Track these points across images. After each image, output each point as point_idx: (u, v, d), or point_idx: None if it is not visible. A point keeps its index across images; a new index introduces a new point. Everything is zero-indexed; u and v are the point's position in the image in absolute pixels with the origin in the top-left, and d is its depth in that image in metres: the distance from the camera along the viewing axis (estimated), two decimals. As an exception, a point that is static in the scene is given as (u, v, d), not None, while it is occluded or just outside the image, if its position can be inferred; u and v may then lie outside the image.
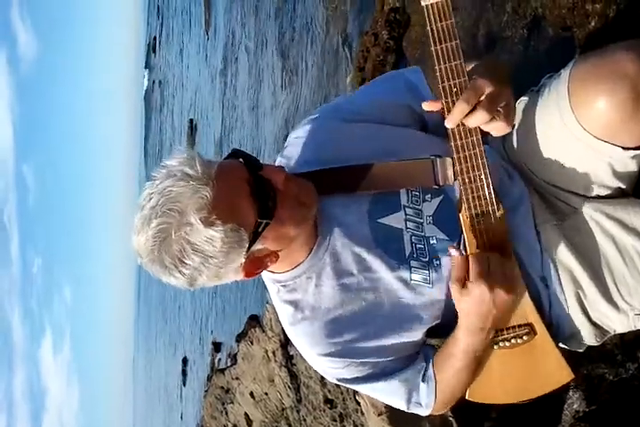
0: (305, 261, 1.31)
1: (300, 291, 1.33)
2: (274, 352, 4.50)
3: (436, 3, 1.07)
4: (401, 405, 1.41)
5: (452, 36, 1.08)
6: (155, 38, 25.52)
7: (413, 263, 1.31)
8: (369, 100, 1.44)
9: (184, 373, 12.71)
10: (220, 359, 8.20)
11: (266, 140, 6.63)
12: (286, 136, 1.50)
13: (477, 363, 1.32)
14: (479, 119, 1.11)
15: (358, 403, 3.21)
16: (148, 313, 27.40)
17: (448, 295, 1.28)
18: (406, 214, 1.32)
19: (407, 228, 1.32)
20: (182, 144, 13.35)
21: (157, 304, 21.53)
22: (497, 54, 2.18)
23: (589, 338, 1.37)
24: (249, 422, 5.51)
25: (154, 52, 26.17)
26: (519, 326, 1.31)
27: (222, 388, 6.33)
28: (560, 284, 1.34)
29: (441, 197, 1.34)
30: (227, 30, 9.84)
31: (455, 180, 1.26)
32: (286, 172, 1.22)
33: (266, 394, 4.87)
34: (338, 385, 3.42)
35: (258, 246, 1.18)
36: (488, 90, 1.09)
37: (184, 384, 12.78)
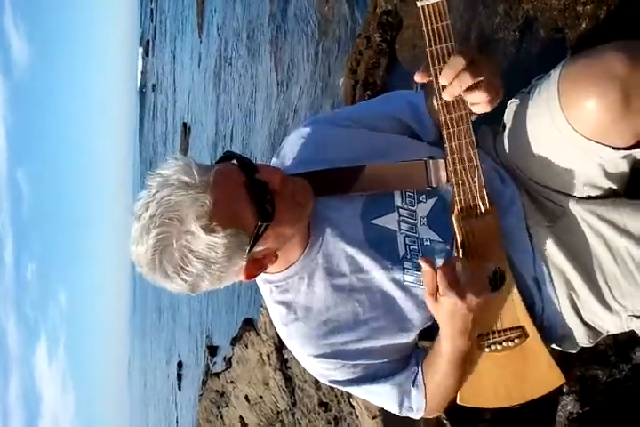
0: (297, 262, 1.31)
1: (293, 291, 1.33)
2: (268, 356, 4.49)
3: (432, 4, 1.07)
4: (394, 408, 1.41)
5: (448, 38, 1.08)
6: (148, 42, 25.53)
7: (407, 264, 1.31)
8: (366, 109, 1.49)
9: (179, 377, 12.69)
10: (215, 363, 8.18)
11: (259, 142, 6.62)
12: (280, 139, 1.51)
13: (467, 364, 1.32)
14: (463, 81, 1.07)
15: (352, 406, 3.20)
16: (142, 318, 27.31)
17: None
18: (400, 215, 1.33)
19: (401, 229, 1.32)
20: (176, 147, 13.34)
21: (152, 309, 21.45)
22: (489, 56, 2.18)
23: (582, 339, 1.37)
24: (244, 425, 5.50)
25: (147, 55, 26.19)
26: (511, 328, 1.31)
27: (217, 391, 6.32)
28: (553, 285, 1.34)
29: (435, 198, 1.34)
30: (220, 34, 9.84)
31: (448, 181, 1.26)
32: (282, 172, 1.23)
33: (261, 397, 4.86)
34: (332, 388, 3.41)
35: (258, 248, 1.19)
36: (473, 55, 1.08)
37: (179, 388, 12.74)
